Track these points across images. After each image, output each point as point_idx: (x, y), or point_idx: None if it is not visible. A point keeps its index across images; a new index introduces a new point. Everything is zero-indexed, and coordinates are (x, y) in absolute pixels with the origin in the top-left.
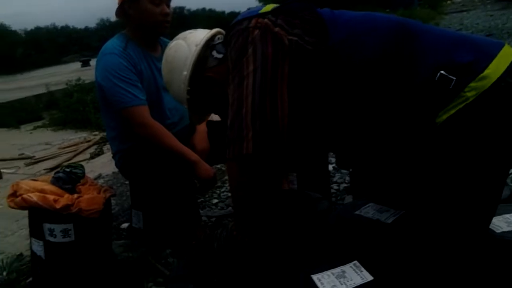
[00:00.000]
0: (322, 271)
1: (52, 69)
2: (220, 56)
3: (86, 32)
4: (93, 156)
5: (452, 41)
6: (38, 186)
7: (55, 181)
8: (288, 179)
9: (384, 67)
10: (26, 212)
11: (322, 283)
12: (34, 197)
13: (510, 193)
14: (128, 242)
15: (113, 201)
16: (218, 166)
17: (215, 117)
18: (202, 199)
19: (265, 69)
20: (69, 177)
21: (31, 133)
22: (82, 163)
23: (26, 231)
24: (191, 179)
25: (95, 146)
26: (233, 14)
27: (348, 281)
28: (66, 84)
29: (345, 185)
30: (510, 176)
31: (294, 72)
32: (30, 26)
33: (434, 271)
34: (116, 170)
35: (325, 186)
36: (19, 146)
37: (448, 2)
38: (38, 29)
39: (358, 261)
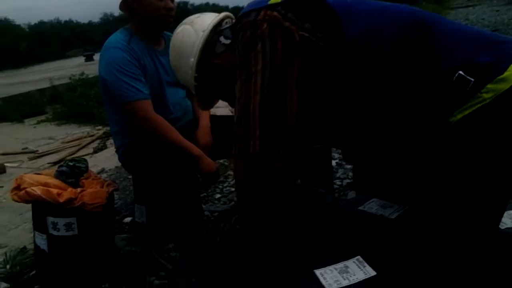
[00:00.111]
0: (325, 266)
1: (55, 63)
2: (228, 41)
3: (89, 26)
4: (96, 151)
5: (473, 40)
6: (41, 179)
7: (59, 175)
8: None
9: (401, 65)
10: (29, 206)
11: (325, 278)
12: (37, 190)
13: None
14: (130, 236)
15: (116, 196)
16: (221, 161)
17: (218, 112)
18: (205, 194)
19: (274, 67)
20: (72, 171)
21: (34, 127)
22: (85, 157)
23: (29, 225)
24: (194, 173)
25: (98, 141)
26: (237, 9)
27: (351, 276)
28: (70, 78)
29: (348, 180)
30: None
31: (304, 69)
32: (33, 21)
33: (438, 267)
34: (119, 164)
35: (328, 182)
36: (22, 140)
37: None
38: (41, 23)
39: (361, 257)
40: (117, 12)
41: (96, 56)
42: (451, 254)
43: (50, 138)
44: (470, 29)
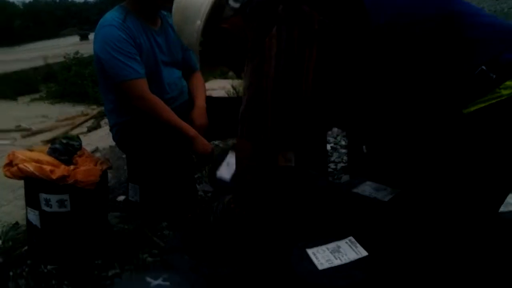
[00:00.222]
0: (317, 245)
1: (50, 42)
2: (237, 5)
3: (85, 5)
4: (90, 130)
5: (501, 36)
6: (34, 156)
7: (52, 152)
8: (286, 156)
9: (426, 53)
10: (22, 182)
11: (317, 257)
12: (30, 167)
13: None
14: (124, 214)
15: (109, 174)
16: (216, 142)
17: (213, 94)
18: (199, 175)
19: (290, 54)
20: (65, 149)
21: (28, 105)
22: (80, 136)
23: (22, 201)
24: (188, 154)
25: (92, 120)
26: None
27: (342, 256)
28: (64, 57)
29: (343, 164)
30: None
31: (322, 55)
32: None
33: (431, 250)
34: (113, 143)
35: (323, 165)
36: (16, 118)
37: None
38: (36, 1)
39: (354, 237)
40: None
41: (91, 36)
42: (448, 237)
43: (43, 117)
44: (500, 24)
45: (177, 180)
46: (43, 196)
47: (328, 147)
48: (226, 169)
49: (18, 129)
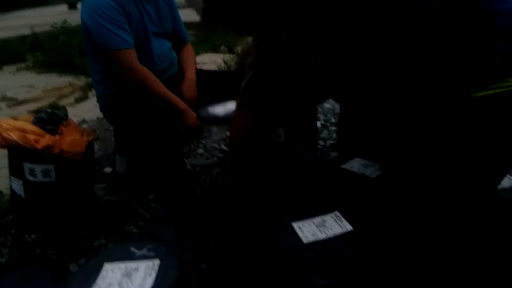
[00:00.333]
0: (303, 219)
1: (37, 10)
2: None
3: None
4: (77, 101)
5: None
6: (18, 125)
7: (37, 122)
8: (276, 132)
9: (445, 35)
10: (6, 151)
11: (302, 231)
12: (14, 136)
13: None
14: (110, 186)
15: (96, 146)
16: None
17: (204, 68)
18: (188, 149)
19: (303, 26)
20: (51, 118)
21: (14, 75)
22: (67, 107)
23: (6, 170)
24: (177, 127)
25: (80, 91)
26: None
27: (327, 230)
28: (52, 26)
29: (332, 141)
30: None
31: (335, 21)
32: None
33: (418, 225)
34: (100, 115)
35: (312, 142)
36: (1, 87)
37: None
38: None
39: (340, 212)
40: None
41: (80, 5)
42: (440, 214)
43: (30, 86)
44: None
45: (165, 153)
46: (27, 165)
47: (318, 124)
48: (222, 109)
49: (4, 98)
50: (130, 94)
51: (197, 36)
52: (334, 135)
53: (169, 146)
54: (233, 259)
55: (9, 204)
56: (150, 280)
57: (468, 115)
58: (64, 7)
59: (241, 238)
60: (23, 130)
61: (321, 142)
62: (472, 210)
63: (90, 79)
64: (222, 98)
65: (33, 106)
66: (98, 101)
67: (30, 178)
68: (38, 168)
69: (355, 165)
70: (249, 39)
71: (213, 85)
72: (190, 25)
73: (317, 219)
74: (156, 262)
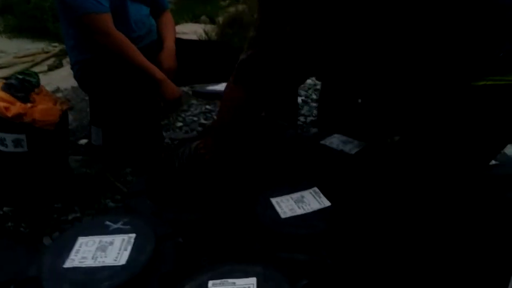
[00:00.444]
0: (281, 195)
1: None
2: None
3: None
4: (51, 69)
5: None
6: None
7: (6, 88)
8: None
9: (455, 15)
10: None
11: (280, 206)
12: None
13: None
14: (86, 158)
15: (71, 117)
16: (185, 88)
17: (184, 38)
18: (166, 122)
19: (306, 8)
20: (21, 85)
21: None
22: (40, 75)
23: None
24: (155, 98)
25: (53, 58)
26: None
27: (306, 206)
28: None
29: (312, 118)
30: None
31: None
32: None
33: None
34: (75, 84)
35: (292, 117)
36: None
37: None
38: None
39: (318, 188)
40: None
41: None
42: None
43: (0, 52)
44: None
45: (142, 124)
46: None
47: (299, 100)
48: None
49: None
50: (105, 61)
51: (176, 4)
52: (315, 111)
53: (146, 117)
54: (211, 233)
55: None
56: (126, 254)
57: (464, 100)
58: None
59: (219, 212)
60: None
61: (301, 118)
62: (458, 186)
63: (64, 46)
64: (203, 69)
65: (4, 72)
66: (72, 68)
67: (1, 148)
68: (9, 138)
69: (334, 141)
70: (231, 10)
71: (193, 55)
72: None
73: (296, 195)
74: (132, 235)
